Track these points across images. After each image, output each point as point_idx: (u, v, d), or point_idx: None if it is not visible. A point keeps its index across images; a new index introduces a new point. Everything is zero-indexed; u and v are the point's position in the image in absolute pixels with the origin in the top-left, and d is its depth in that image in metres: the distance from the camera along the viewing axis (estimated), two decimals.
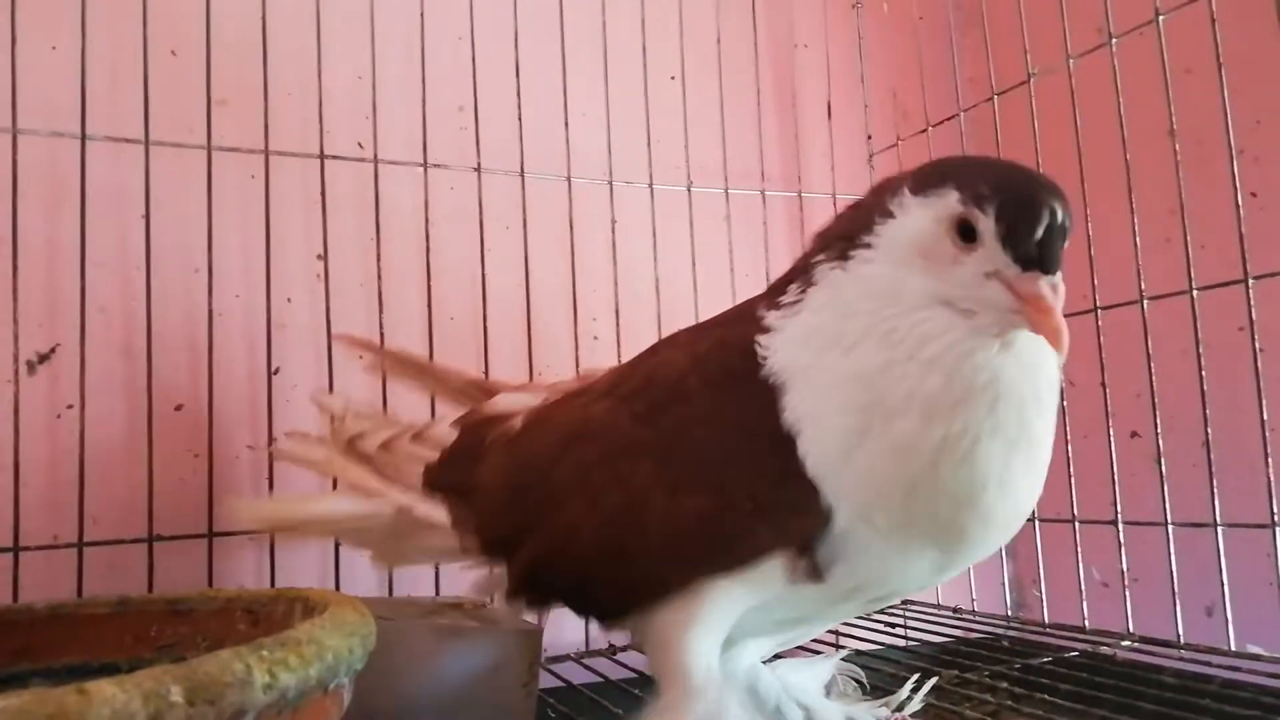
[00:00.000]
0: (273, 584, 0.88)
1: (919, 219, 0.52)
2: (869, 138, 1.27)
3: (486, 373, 0.99)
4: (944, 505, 0.50)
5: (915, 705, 0.68)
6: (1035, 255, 0.50)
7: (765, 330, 0.55)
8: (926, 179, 0.53)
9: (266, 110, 0.94)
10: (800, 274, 0.56)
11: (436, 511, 0.68)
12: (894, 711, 0.66)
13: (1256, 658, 0.80)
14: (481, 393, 0.81)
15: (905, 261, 0.52)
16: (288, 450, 0.82)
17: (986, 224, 0.50)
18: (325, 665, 0.47)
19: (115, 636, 0.63)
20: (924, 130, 1.19)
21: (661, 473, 0.56)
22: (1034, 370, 0.52)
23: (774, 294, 0.57)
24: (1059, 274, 0.51)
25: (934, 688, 0.76)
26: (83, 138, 0.87)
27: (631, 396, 0.60)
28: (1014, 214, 0.49)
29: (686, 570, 0.55)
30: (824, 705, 0.65)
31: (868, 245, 0.53)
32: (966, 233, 0.50)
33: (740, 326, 0.57)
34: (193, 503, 0.89)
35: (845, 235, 0.55)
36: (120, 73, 0.91)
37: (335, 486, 0.83)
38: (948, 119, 1.16)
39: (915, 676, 0.71)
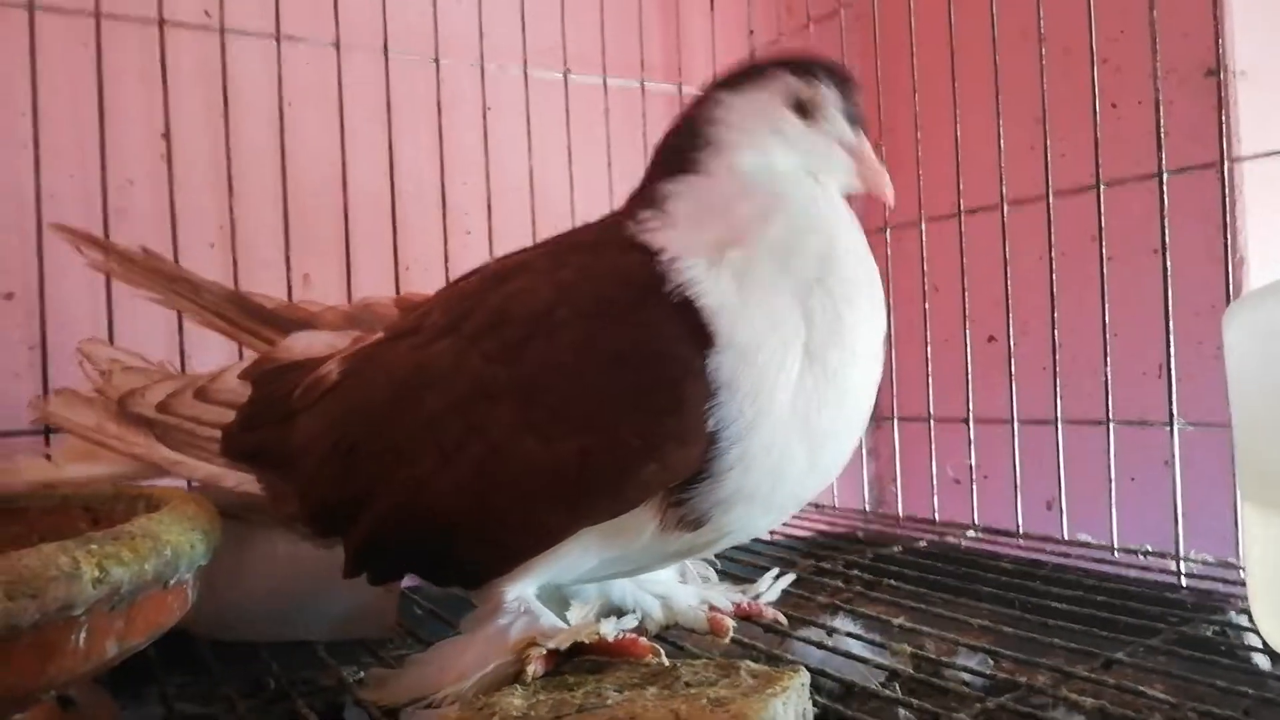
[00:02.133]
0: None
1: (755, 104, 0.56)
2: (751, 32, 1.25)
3: (350, 273, 0.95)
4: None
5: (772, 596, 0.69)
6: (860, 118, 0.58)
7: (648, 253, 0.53)
8: (742, 76, 0.58)
9: None
10: (656, 190, 0.56)
11: (248, 480, 0.60)
12: (750, 600, 0.67)
13: (1086, 545, 0.86)
14: (243, 313, 0.72)
15: (757, 145, 0.56)
16: (54, 413, 0.68)
17: (828, 95, 0.57)
18: (163, 560, 0.45)
19: None
20: (806, 25, 1.18)
21: (527, 416, 0.51)
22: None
23: (634, 214, 0.56)
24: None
25: (794, 578, 0.79)
26: None
27: (479, 334, 0.54)
28: (844, 85, 0.57)
29: (567, 519, 0.51)
30: (679, 590, 0.65)
31: (707, 145, 0.56)
32: (802, 109, 0.57)
33: (610, 253, 0.55)
34: (29, 398, 0.83)
35: (681, 147, 0.57)
36: None
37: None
38: (829, 15, 1.15)
39: (775, 570, 0.73)
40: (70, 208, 0.86)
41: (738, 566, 0.82)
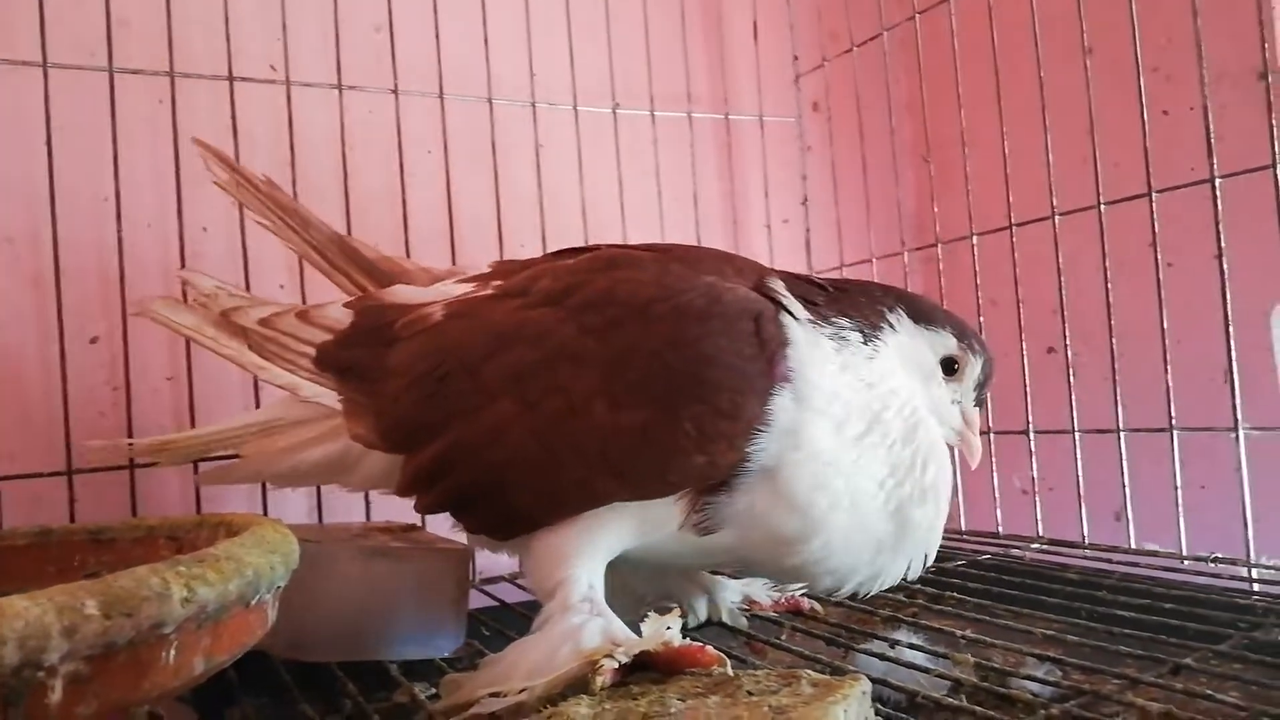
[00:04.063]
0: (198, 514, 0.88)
1: (920, 344, 0.66)
2: (795, 59, 1.27)
3: None
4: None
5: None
6: (982, 398, 0.68)
7: (767, 298, 0.61)
8: (923, 313, 0.67)
9: (170, 31, 0.90)
10: (835, 303, 0.64)
11: (326, 394, 0.66)
12: (788, 596, 0.72)
13: (1153, 553, 0.85)
14: (344, 255, 0.77)
15: (904, 368, 0.64)
16: (154, 308, 0.73)
17: (972, 368, 0.67)
18: (245, 580, 0.47)
19: (37, 567, 0.62)
20: (849, 50, 1.20)
21: (606, 386, 0.57)
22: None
23: (797, 282, 0.65)
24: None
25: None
26: None
27: (582, 308, 0.60)
28: (988, 367, 0.68)
29: (611, 484, 0.58)
30: (724, 587, 0.72)
31: (876, 338, 0.64)
32: (949, 367, 0.66)
33: (715, 276, 0.62)
34: (113, 436, 0.87)
35: (860, 314, 0.64)
36: None
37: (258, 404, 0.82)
38: (872, 38, 1.16)
39: None
40: (149, 254, 0.91)
41: None
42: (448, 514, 0.65)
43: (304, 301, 0.93)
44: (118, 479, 0.86)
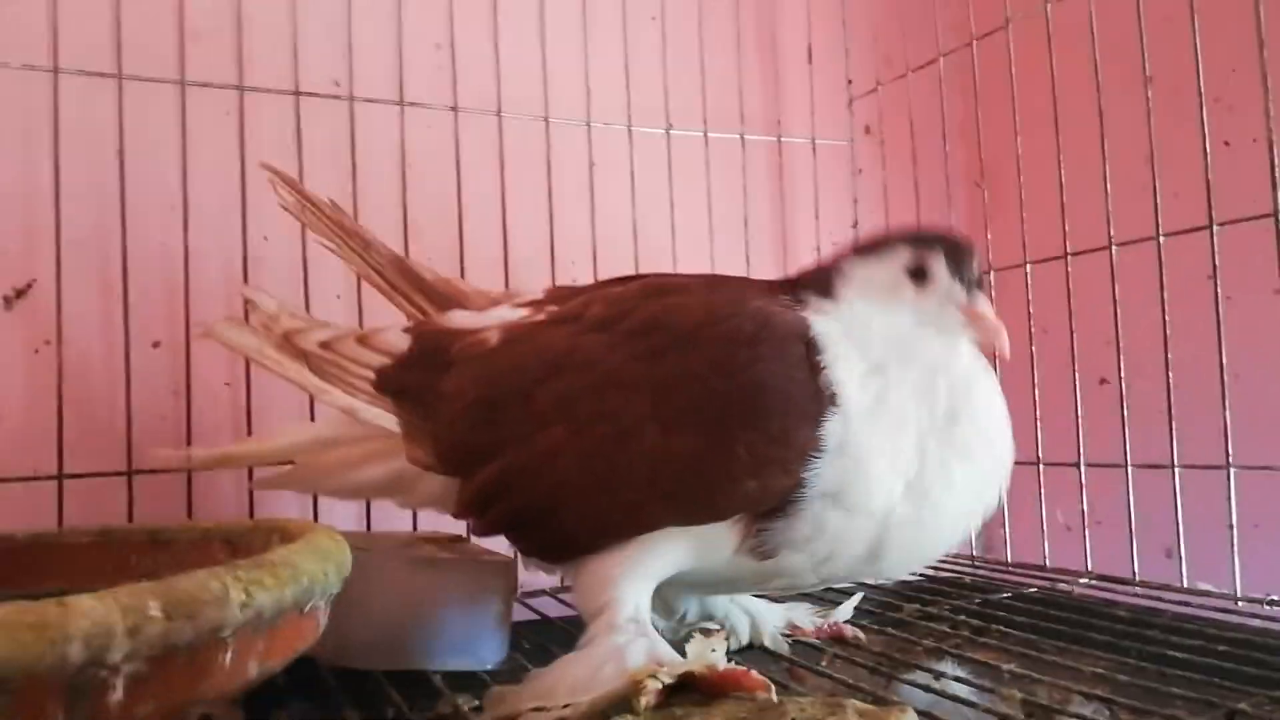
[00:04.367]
0: (252, 518, 0.90)
1: (883, 273, 0.64)
2: (849, 82, 1.27)
3: None
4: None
5: (845, 614, 0.77)
6: (975, 281, 0.64)
7: (801, 317, 0.62)
8: (869, 247, 0.67)
9: (240, 45, 0.93)
10: (804, 289, 0.65)
11: (384, 417, 0.67)
12: (831, 623, 0.74)
13: (1206, 593, 0.83)
14: (403, 277, 0.78)
15: (878, 302, 0.64)
16: (218, 330, 0.75)
17: (939, 263, 0.64)
18: (300, 587, 0.49)
19: (96, 565, 0.64)
20: (904, 75, 1.19)
21: (657, 411, 0.58)
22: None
23: (787, 291, 0.65)
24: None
25: (898, 621, 0.80)
26: (55, 71, 0.86)
27: (633, 334, 0.62)
28: (954, 251, 0.64)
29: (662, 509, 0.58)
30: (767, 611, 0.73)
31: (840, 290, 0.64)
32: (919, 275, 0.64)
33: (760, 299, 0.63)
34: (172, 439, 0.90)
35: (821, 281, 0.65)
36: (91, 5, 0.89)
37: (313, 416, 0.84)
38: (928, 64, 1.16)
39: (859, 595, 0.81)
40: (213, 262, 0.93)
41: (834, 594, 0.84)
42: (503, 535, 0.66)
43: (361, 311, 0.95)
44: (176, 481, 0.88)
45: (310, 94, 0.96)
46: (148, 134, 0.91)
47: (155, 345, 0.92)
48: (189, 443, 0.89)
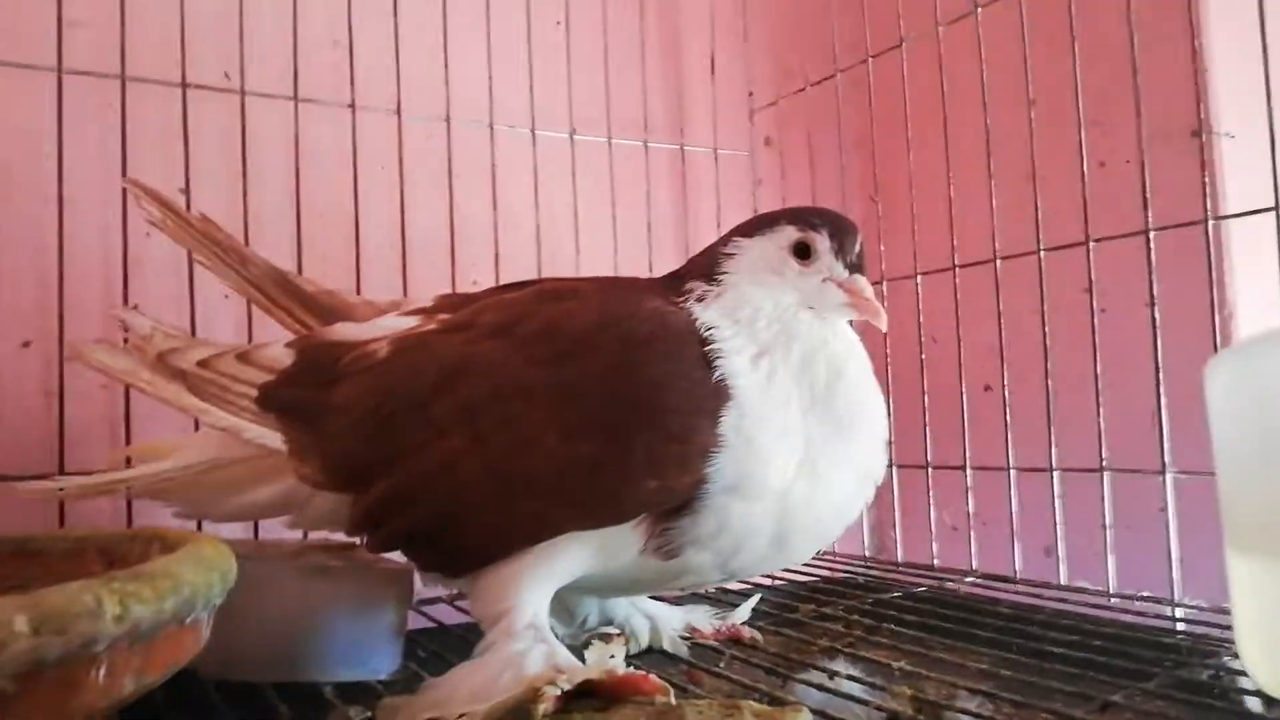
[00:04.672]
0: (130, 527, 0.85)
1: (767, 252, 0.66)
2: (750, 94, 1.29)
3: None
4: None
5: (743, 615, 0.78)
6: (856, 263, 0.66)
7: (689, 314, 0.63)
8: (754, 225, 0.68)
9: (123, 34, 0.89)
10: (690, 280, 0.66)
11: (269, 435, 0.64)
12: (729, 624, 0.75)
13: (1083, 590, 0.87)
14: (284, 292, 0.76)
15: (761, 282, 0.65)
16: (87, 353, 0.72)
17: (823, 240, 0.66)
18: (181, 599, 0.46)
19: None
20: (803, 89, 1.22)
21: (556, 417, 0.58)
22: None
23: (673, 288, 0.66)
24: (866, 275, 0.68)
25: (794, 621, 0.82)
26: None
27: (529, 341, 0.61)
28: (835, 229, 0.66)
29: (564, 515, 0.58)
30: (667, 614, 0.73)
31: (725, 273, 0.66)
32: (802, 251, 0.66)
33: (653, 300, 0.64)
34: (43, 443, 0.85)
35: (705, 273, 0.66)
36: None
37: (196, 426, 0.81)
38: (826, 79, 1.19)
39: (756, 596, 0.82)
40: (91, 257, 0.89)
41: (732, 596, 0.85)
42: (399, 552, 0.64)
43: (250, 312, 0.92)
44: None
45: (199, 86, 0.93)
46: (21, 124, 0.86)
47: (25, 345, 0.87)
48: (61, 447, 0.84)
